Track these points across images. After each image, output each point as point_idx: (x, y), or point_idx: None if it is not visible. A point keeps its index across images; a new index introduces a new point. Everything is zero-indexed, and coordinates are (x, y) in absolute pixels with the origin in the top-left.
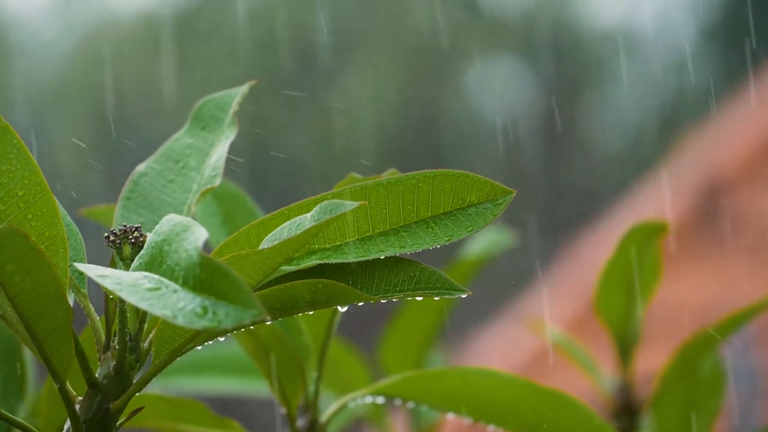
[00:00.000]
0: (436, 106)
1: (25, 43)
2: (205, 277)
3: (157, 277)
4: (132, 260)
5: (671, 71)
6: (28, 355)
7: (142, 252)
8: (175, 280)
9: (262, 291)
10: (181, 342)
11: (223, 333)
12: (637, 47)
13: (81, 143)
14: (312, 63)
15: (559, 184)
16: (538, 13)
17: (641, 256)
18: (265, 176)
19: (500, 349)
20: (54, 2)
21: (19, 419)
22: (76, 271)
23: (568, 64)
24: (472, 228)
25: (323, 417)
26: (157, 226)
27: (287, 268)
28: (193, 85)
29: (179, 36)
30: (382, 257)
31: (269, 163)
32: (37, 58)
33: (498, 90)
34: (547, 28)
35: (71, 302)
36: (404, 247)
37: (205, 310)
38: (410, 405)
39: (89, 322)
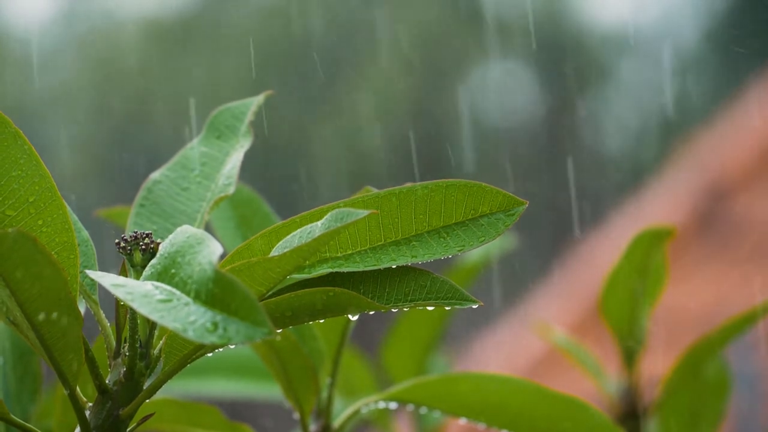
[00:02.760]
0: (439, 109)
1: (29, 53)
2: (217, 292)
3: (169, 288)
4: (143, 267)
5: (673, 75)
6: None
7: (154, 261)
8: (187, 293)
9: (274, 299)
10: (191, 349)
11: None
12: (640, 51)
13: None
14: (314, 67)
15: (563, 187)
16: (541, 17)
17: (647, 260)
18: (271, 179)
19: (504, 352)
20: (57, 13)
21: (32, 426)
22: (88, 277)
23: (571, 67)
24: (484, 238)
25: (336, 422)
26: (171, 236)
27: (299, 276)
28: (195, 90)
29: (181, 41)
30: (394, 266)
31: (275, 166)
32: (40, 66)
33: (501, 93)
34: (550, 31)
35: (82, 309)
36: (416, 257)
37: (215, 325)
38: (423, 410)
39: (100, 329)
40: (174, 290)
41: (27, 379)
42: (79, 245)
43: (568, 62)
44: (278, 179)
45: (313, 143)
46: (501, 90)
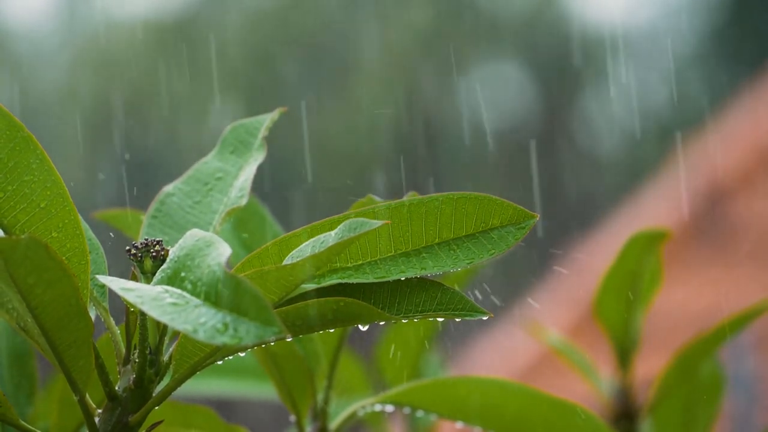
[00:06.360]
0: (434, 111)
1: (28, 53)
2: (227, 293)
3: (179, 291)
4: (153, 274)
5: (670, 78)
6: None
7: (164, 266)
8: (197, 295)
9: (284, 308)
10: (201, 356)
11: (243, 349)
12: (636, 53)
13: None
14: (310, 68)
15: (559, 190)
16: (537, 19)
17: (642, 263)
18: (268, 180)
19: (499, 354)
20: (56, 12)
21: (33, 428)
22: (98, 284)
23: (567, 69)
24: (494, 251)
25: (333, 425)
26: (180, 241)
27: (308, 286)
28: (193, 90)
29: (179, 42)
30: (403, 278)
31: (271, 167)
32: (40, 66)
33: (496, 95)
34: (546, 33)
35: (92, 316)
36: (425, 269)
37: (226, 326)
38: (419, 413)
39: (110, 335)
40: (184, 293)
41: (23, 381)
42: (89, 252)
43: (563, 64)
44: (275, 180)
45: (308, 143)
46: (497, 91)
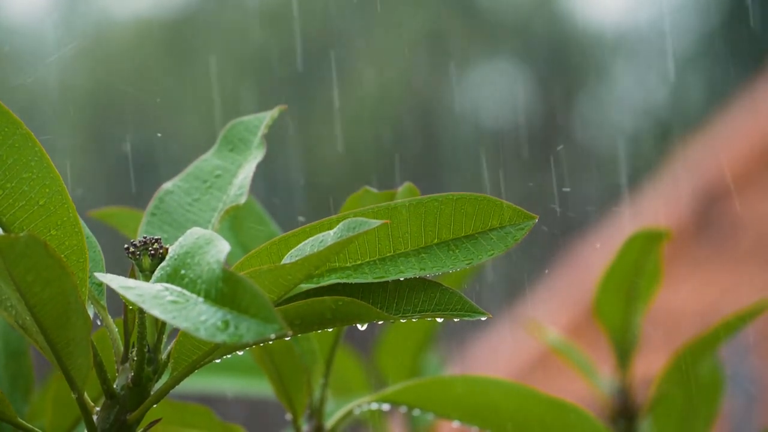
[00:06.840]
0: (433, 109)
1: (26, 49)
2: (227, 290)
3: (179, 289)
4: (152, 272)
5: (670, 77)
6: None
7: (163, 264)
8: (197, 293)
9: (282, 307)
10: (200, 354)
11: (243, 347)
12: (636, 52)
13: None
14: (309, 66)
15: (558, 188)
16: (536, 18)
17: (642, 262)
18: (265, 179)
19: (499, 353)
20: (54, 9)
21: (30, 425)
22: (95, 282)
23: (567, 68)
24: (493, 252)
25: (329, 423)
26: (180, 239)
27: (306, 286)
28: (192, 88)
29: (177, 40)
30: (402, 278)
31: (268, 166)
32: (38, 63)
33: (495, 94)
34: (545, 32)
35: (90, 313)
36: (424, 269)
37: (226, 324)
38: (416, 412)
39: (107, 333)
40: (184, 291)
41: (19, 380)
42: (87, 250)
43: (563, 63)
44: (272, 179)
45: (307, 142)
46: (495, 90)
